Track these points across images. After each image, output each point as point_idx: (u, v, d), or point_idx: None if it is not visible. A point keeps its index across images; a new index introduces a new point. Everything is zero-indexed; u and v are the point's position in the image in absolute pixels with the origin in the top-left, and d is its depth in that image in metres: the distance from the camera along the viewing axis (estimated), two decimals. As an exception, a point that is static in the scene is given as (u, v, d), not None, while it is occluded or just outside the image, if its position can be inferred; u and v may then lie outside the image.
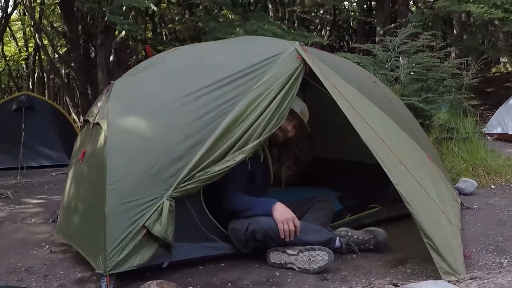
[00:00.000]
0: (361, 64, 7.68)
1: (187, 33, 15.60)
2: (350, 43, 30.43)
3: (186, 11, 18.33)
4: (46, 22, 23.91)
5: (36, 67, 28.05)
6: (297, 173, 4.53)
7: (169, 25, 19.73)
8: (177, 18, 18.21)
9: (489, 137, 9.00)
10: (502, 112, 11.78)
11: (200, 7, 17.68)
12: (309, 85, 4.10)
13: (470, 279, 2.74)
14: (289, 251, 3.58)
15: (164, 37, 20.74)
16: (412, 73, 7.75)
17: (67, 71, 26.53)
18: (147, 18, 20.37)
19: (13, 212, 6.03)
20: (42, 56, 26.18)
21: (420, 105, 7.18)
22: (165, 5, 19.89)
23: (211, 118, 3.51)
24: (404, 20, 17.14)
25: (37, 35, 21.10)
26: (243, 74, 3.69)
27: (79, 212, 3.92)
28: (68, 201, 4.21)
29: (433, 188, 3.73)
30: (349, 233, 3.86)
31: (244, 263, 3.71)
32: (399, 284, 2.73)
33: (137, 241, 3.26)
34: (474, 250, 3.84)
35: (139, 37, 16.45)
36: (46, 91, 28.95)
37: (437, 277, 3.14)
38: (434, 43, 8.81)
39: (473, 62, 8.62)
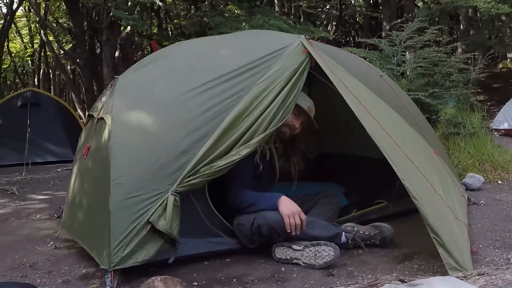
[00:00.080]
0: (368, 59, 7.65)
1: (192, 29, 15.57)
2: (356, 38, 30.37)
3: (192, 6, 18.28)
4: (51, 18, 23.95)
5: (42, 63, 28.11)
6: (304, 168, 4.51)
7: (175, 21, 19.72)
8: (182, 13, 18.20)
9: (495, 133, 8.97)
10: (509, 107, 11.75)
11: (206, 2, 17.69)
12: (315, 79, 4.06)
13: (478, 275, 2.72)
14: (294, 247, 3.56)
15: (170, 32, 20.76)
16: (418, 68, 7.71)
17: (72, 67, 26.58)
18: (153, 13, 20.37)
19: (18, 208, 6.04)
20: (48, 52, 26.21)
21: (427, 100, 7.15)
22: (170, 0, 19.86)
23: (216, 112, 3.48)
24: (410, 15, 17.07)
25: (42, 31, 21.15)
26: (248, 68, 3.66)
27: (83, 208, 3.91)
28: (73, 197, 4.20)
29: (439, 184, 3.70)
30: (355, 228, 3.84)
31: (249, 258, 3.70)
32: (405, 280, 2.70)
33: (141, 237, 3.24)
34: (481, 245, 3.81)
35: (144, 33, 16.40)
36: (51, 87, 29.02)
37: (444, 272, 3.11)
38: (441, 38, 8.77)
39: (480, 57, 8.56)
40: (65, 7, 18.77)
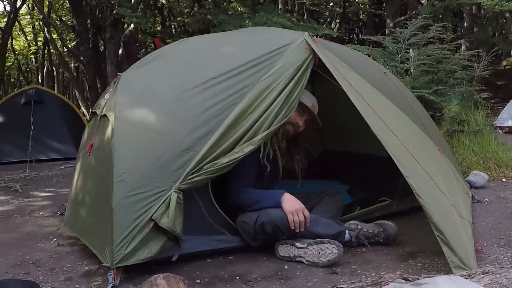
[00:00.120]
0: (371, 56, 7.60)
1: (196, 26, 15.57)
2: (360, 35, 30.33)
3: (195, 3, 18.29)
4: (55, 16, 24.02)
5: (45, 61, 28.21)
6: (307, 166, 4.49)
7: (178, 18, 19.73)
8: (186, 11, 18.22)
9: (500, 130, 8.95)
10: (513, 105, 11.72)
11: (209, 0, 17.65)
12: (319, 77, 4.06)
13: (482, 273, 2.71)
14: (298, 244, 3.55)
15: (173, 30, 20.72)
16: (422, 65, 7.68)
17: (76, 64, 26.67)
18: (156, 11, 20.36)
19: (22, 205, 6.03)
20: (51, 50, 26.32)
21: (431, 97, 7.12)
22: (174, -3, 19.90)
23: (219, 109, 3.47)
24: (414, 12, 17.07)
25: (46, 29, 21.22)
26: (252, 65, 3.64)
27: (86, 205, 3.90)
28: (76, 194, 4.19)
29: (443, 181, 3.68)
30: (359, 226, 3.82)
31: (252, 256, 3.69)
32: (410, 278, 2.69)
33: (144, 234, 3.23)
34: (485, 244, 3.79)
35: (148, 30, 16.43)
36: (55, 84, 29.12)
37: (448, 271, 3.10)
38: (445, 35, 8.74)
39: (484, 54, 8.52)
40: (68, 4, 18.76)
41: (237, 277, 3.34)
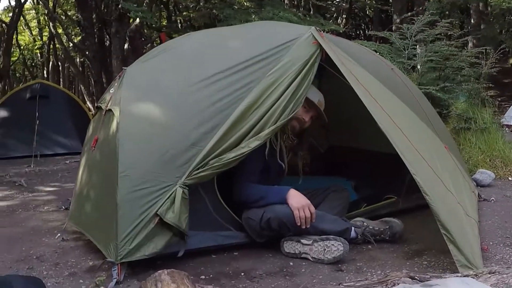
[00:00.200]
0: (378, 52, 7.59)
1: (202, 21, 15.53)
2: (367, 31, 30.26)
3: (201, -2, 18.26)
4: (60, 11, 24.02)
5: (51, 56, 28.24)
6: (313, 162, 4.47)
7: (184, 13, 19.70)
8: (191, 5, 18.15)
9: (506, 128, 8.91)
10: (520, 103, 11.68)
11: (215, -5, 17.61)
12: (325, 72, 4.03)
13: (489, 273, 2.70)
14: (303, 241, 3.53)
15: (179, 24, 20.71)
16: (429, 61, 7.65)
17: (81, 59, 26.67)
18: (162, 5, 20.33)
19: (26, 200, 6.03)
20: (57, 45, 26.35)
21: (438, 94, 7.10)
22: (179, -8, 19.84)
23: (225, 104, 3.45)
24: (421, 8, 16.98)
25: (51, 24, 21.19)
26: (258, 59, 3.62)
27: (91, 200, 3.89)
28: (80, 189, 4.18)
29: (450, 179, 3.66)
30: (364, 223, 3.81)
31: (258, 252, 3.68)
32: (416, 277, 2.67)
33: (149, 229, 3.22)
34: (491, 243, 3.77)
35: (153, 25, 16.40)
36: (61, 79, 29.15)
37: (453, 269, 3.09)
38: (452, 32, 8.70)
39: (492, 51, 8.49)
40: (73, -1, 18.79)
41: (242, 273, 3.33)
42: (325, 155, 5.55)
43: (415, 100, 4.46)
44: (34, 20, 30.27)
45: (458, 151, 5.59)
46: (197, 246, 3.52)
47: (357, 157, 5.20)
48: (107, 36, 17.73)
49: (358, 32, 33.75)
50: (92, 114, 10.37)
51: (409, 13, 17.44)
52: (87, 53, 16.88)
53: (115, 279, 3.11)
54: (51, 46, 27.96)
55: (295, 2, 24.02)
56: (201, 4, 16.77)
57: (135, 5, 12.50)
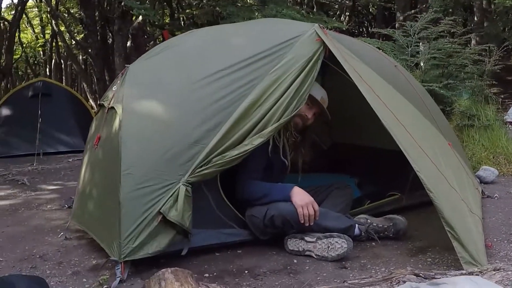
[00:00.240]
0: (381, 49, 7.57)
1: (204, 18, 15.52)
2: (370, 29, 30.17)
3: (204, -5, 18.23)
4: (62, 8, 24.01)
5: (53, 54, 28.26)
6: (315, 159, 4.46)
7: (187, 10, 19.65)
8: (194, 3, 18.12)
9: (510, 126, 8.89)
10: (523, 101, 11.66)
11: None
12: (329, 69, 4.02)
13: (494, 270, 2.68)
14: (307, 238, 3.53)
15: (182, 22, 20.68)
16: (433, 59, 7.64)
17: (84, 57, 26.70)
18: (165, 3, 20.31)
19: (29, 198, 6.03)
20: (59, 43, 26.34)
21: (441, 91, 7.09)
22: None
23: (228, 101, 3.44)
24: (424, 6, 16.96)
25: (53, 22, 21.21)
26: (261, 57, 3.61)
27: (93, 198, 3.89)
28: (83, 187, 4.17)
29: (454, 176, 3.65)
30: (368, 220, 3.80)
31: (261, 250, 3.67)
32: (421, 274, 2.66)
33: (152, 228, 3.22)
34: (495, 240, 3.76)
35: (156, 22, 16.39)
36: (63, 77, 29.16)
37: (458, 266, 3.08)
38: (455, 29, 8.69)
39: (495, 48, 8.47)
40: (76, -3, 18.78)
41: (246, 271, 3.32)
42: (329, 152, 5.55)
43: (419, 97, 4.44)
44: (37, 18, 30.28)
45: (462, 148, 5.58)
46: (200, 244, 3.52)
47: (360, 154, 5.19)
48: (110, 34, 17.74)
49: (361, 30, 33.64)
50: (94, 112, 10.42)
51: (412, 11, 17.42)
52: (89, 50, 16.89)
53: (119, 278, 3.11)
54: (54, 44, 27.97)
55: (299, 0, 23.98)
56: (204, 1, 16.72)
57: (138, 2, 12.50)
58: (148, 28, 17.51)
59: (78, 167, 5.49)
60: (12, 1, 26.45)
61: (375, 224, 3.77)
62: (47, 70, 30.66)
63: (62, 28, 22.57)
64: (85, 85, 20.11)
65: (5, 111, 10.70)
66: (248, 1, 15.50)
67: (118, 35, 14.85)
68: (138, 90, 3.76)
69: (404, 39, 7.95)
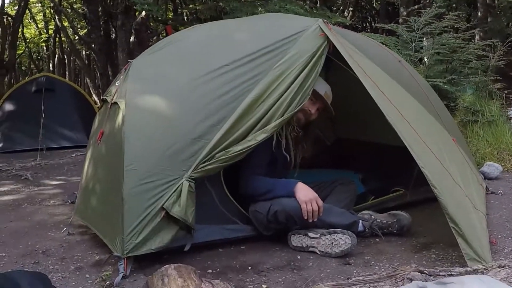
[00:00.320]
0: (385, 45, 7.55)
1: (208, 14, 15.45)
2: (373, 24, 30.10)
3: (207, -9, 18.19)
4: (66, 4, 23.98)
5: (57, 49, 28.22)
6: (319, 155, 4.45)
7: (190, 6, 19.61)
8: (198, -2, 18.08)
9: (513, 122, 8.87)
10: (527, 96, 11.61)
11: (221, -13, 17.54)
12: (332, 64, 4.00)
13: (499, 267, 2.68)
14: (311, 234, 3.52)
15: (185, 17, 20.65)
16: (436, 54, 7.61)
17: (87, 52, 26.65)
18: (168, -2, 20.28)
19: (32, 193, 6.03)
20: (63, 38, 26.33)
21: (445, 86, 7.07)
22: (186, -15, 19.77)
23: (231, 97, 3.43)
24: (428, 1, 16.89)
25: (57, 17, 21.17)
26: (265, 52, 3.60)
27: (96, 194, 3.88)
28: (86, 182, 4.17)
29: (458, 172, 3.63)
30: (372, 216, 3.79)
31: (265, 246, 3.66)
32: (425, 271, 2.65)
33: (155, 223, 3.21)
34: (499, 236, 3.75)
35: (159, 18, 16.34)
36: (67, 72, 29.13)
37: (462, 263, 3.08)
38: (459, 25, 8.66)
39: (500, 44, 8.44)
40: (79, -8, 18.76)
41: (249, 267, 3.32)
42: (333, 147, 5.54)
43: (423, 93, 4.43)
44: (40, 13, 30.25)
45: (466, 144, 5.56)
46: (203, 240, 3.51)
47: (364, 150, 5.18)
48: (113, 29, 17.68)
49: (364, 25, 33.56)
50: (98, 107, 10.42)
51: (416, 6, 17.36)
52: (93, 46, 16.86)
53: (122, 274, 3.10)
54: (57, 39, 27.93)
55: (302, -5, 23.91)
56: (208, -4, 16.71)
57: (141, -3, 12.45)
58: (151, 23, 17.48)
59: (81, 162, 5.49)
60: (16, -4, 26.44)
61: (379, 220, 3.76)
62: (51, 65, 30.64)
63: (66, 23, 22.54)
64: (88, 80, 20.09)
65: (9, 106, 10.71)
66: (252, -4, 15.46)
67: (121, 30, 14.82)
68: (141, 85, 3.75)
69: (408, 34, 7.93)
